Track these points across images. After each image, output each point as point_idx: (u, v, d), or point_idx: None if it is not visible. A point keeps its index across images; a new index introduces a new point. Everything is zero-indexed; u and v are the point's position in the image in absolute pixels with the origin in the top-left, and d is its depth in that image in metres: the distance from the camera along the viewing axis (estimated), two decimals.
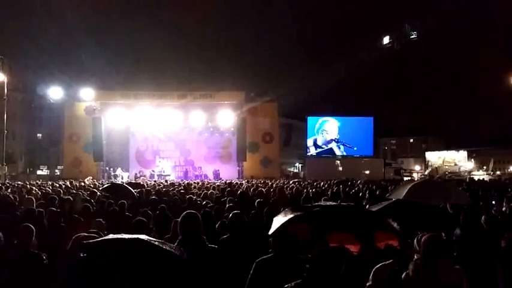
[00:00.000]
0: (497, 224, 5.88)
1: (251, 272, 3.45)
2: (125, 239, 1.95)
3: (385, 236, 3.24)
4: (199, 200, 9.62)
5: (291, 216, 3.28)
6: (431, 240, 3.29)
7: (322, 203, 3.63)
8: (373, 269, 3.35)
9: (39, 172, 51.98)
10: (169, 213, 7.47)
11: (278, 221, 3.35)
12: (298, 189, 12.49)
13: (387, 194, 10.35)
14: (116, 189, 11.30)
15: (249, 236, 4.63)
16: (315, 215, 3.28)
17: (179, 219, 3.69)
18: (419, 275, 3.10)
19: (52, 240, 5.38)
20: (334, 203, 3.63)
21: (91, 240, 2.04)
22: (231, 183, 17.23)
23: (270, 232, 3.33)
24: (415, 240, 3.48)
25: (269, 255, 3.51)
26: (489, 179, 28.70)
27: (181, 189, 13.19)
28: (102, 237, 3.77)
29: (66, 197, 10.23)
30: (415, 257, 3.35)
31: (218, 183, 18.54)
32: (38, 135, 60.25)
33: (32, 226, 4.63)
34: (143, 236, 2.04)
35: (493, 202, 9.61)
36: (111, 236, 2.03)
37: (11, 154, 46.15)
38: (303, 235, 3.21)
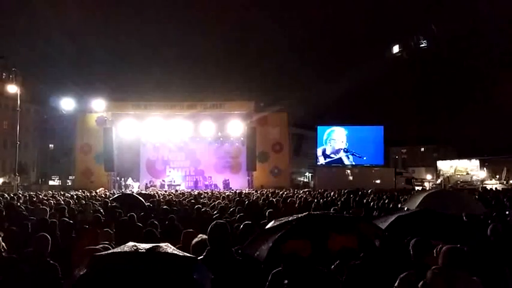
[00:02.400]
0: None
1: (267, 284, 3.44)
2: (136, 253, 1.92)
3: (367, 228, 3.50)
4: (208, 210, 9.60)
5: (276, 236, 3.28)
6: (450, 251, 3.33)
7: (291, 218, 3.69)
8: (399, 277, 3.46)
9: (51, 182, 52.47)
10: (179, 223, 7.47)
11: (264, 246, 3.32)
12: (307, 200, 12.37)
13: (400, 204, 10.26)
14: (126, 200, 11.34)
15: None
16: (303, 228, 3.36)
17: (208, 230, 3.68)
18: (437, 284, 3.10)
19: (64, 251, 5.40)
20: (304, 214, 3.79)
21: (100, 253, 2.02)
22: (241, 193, 17.20)
23: (263, 260, 3.30)
24: (435, 251, 3.48)
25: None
26: (502, 188, 28.20)
27: (192, 199, 13.18)
28: (113, 248, 3.76)
29: (77, 207, 10.31)
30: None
31: (228, 193, 18.52)
32: (50, 146, 60.99)
33: (48, 235, 4.66)
34: (164, 247, 2.01)
35: (507, 212, 9.45)
36: (122, 248, 2.01)
37: (24, 165, 46.71)
38: (303, 251, 3.23)
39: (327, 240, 3.31)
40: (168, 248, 2.00)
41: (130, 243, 2.01)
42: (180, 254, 1.99)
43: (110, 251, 2.01)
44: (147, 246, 1.96)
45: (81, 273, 1.93)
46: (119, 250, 1.97)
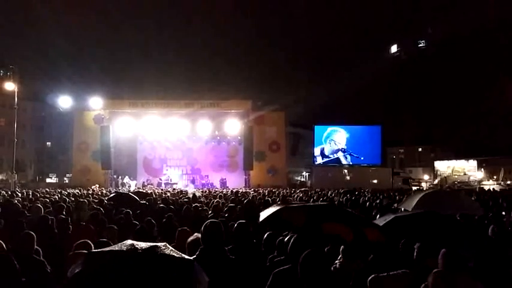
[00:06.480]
0: (508, 235, 5.75)
1: (268, 283, 3.43)
2: (132, 251, 1.89)
3: (373, 233, 3.62)
4: (205, 209, 9.60)
5: (283, 206, 3.55)
6: (449, 254, 3.32)
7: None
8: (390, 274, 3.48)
9: (48, 180, 52.37)
10: (176, 222, 7.46)
11: (268, 211, 3.52)
12: (302, 199, 12.38)
13: (397, 204, 10.25)
14: (121, 199, 11.30)
15: (254, 247, 4.57)
16: (309, 209, 3.61)
17: (201, 229, 3.65)
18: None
19: (60, 248, 5.40)
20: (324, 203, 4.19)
21: (97, 250, 1.99)
22: (237, 192, 17.20)
23: (261, 219, 3.42)
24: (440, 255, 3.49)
25: (286, 267, 3.47)
26: (499, 189, 28.30)
27: (187, 198, 13.15)
28: (110, 245, 3.76)
29: (73, 204, 10.28)
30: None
31: (225, 192, 18.51)
32: (48, 143, 60.79)
33: (33, 233, 4.63)
34: (161, 247, 1.98)
35: (503, 213, 9.46)
36: (119, 246, 1.98)
37: (21, 162, 46.51)
38: (296, 222, 3.43)
39: (322, 222, 3.49)
40: (166, 249, 1.96)
41: (129, 242, 1.97)
42: (178, 255, 1.95)
43: (106, 249, 1.98)
44: (145, 246, 1.93)
45: (76, 270, 1.90)
46: (116, 248, 1.94)
